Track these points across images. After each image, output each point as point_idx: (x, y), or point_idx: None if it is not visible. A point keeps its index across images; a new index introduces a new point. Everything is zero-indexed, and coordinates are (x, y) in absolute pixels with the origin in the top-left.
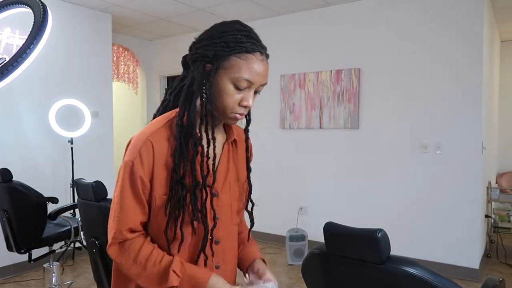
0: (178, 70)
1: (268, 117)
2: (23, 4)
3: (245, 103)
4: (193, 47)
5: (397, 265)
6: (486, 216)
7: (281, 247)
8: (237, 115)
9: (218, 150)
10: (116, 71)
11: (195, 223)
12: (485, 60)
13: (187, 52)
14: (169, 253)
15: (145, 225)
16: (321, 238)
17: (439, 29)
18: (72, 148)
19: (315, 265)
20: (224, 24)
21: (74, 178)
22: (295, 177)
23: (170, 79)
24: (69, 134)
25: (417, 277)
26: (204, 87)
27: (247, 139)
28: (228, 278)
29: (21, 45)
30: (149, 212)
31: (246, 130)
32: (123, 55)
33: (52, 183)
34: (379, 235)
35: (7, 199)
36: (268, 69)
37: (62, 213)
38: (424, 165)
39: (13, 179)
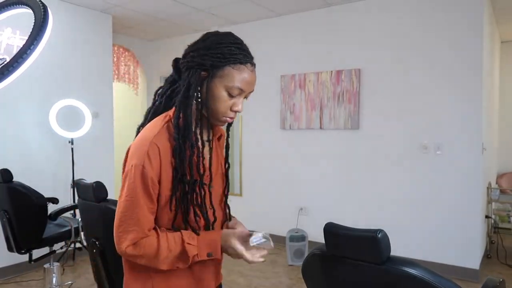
0: None
1: (268, 118)
2: (23, 5)
3: (236, 108)
4: (189, 54)
5: (397, 266)
6: (486, 216)
7: (281, 248)
8: (228, 119)
9: (211, 151)
10: (117, 72)
11: (198, 218)
12: (485, 61)
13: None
14: None
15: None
16: (321, 239)
17: (439, 30)
18: (72, 149)
19: (315, 266)
20: (218, 35)
21: (75, 179)
22: (295, 177)
23: None
24: (70, 135)
25: (417, 278)
26: (199, 93)
27: (227, 137)
28: (219, 261)
29: (21, 46)
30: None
31: (228, 130)
32: (123, 56)
33: (53, 184)
34: (379, 235)
35: (7, 199)
36: (256, 78)
37: (62, 214)
38: (424, 165)
39: (14, 179)
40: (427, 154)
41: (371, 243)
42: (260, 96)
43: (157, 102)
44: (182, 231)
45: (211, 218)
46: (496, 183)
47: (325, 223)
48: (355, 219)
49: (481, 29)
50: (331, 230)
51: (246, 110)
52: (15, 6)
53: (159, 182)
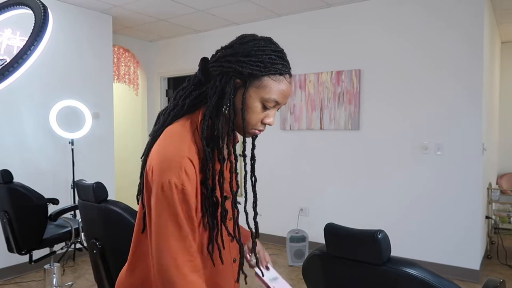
0: (178, 71)
1: None
2: (24, 6)
3: (267, 121)
4: (224, 58)
5: (397, 266)
6: (487, 217)
7: (282, 248)
8: (257, 131)
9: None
10: (117, 72)
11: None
12: (485, 61)
13: (189, 53)
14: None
15: None
16: (321, 239)
17: (440, 31)
18: (72, 149)
19: (315, 266)
20: (259, 39)
21: (75, 179)
22: (296, 178)
23: (171, 80)
24: (70, 135)
25: (417, 278)
26: (232, 102)
27: (253, 148)
28: (235, 247)
29: (22, 47)
30: None
31: (254, 141)
32: (123, 56)
33: (53, 184)
34: (379, 236)
35: (7, 200)
36: (291, 91)
37: (62, 214)
38: (425, 166)
39: (14, 180)
40: (427, 154)
41: (371, 243)
42: None
43: (178, 106)
44: None
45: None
46: (497, 183)
47: (326, 223)
48: (355, 219)
49: (482, 30)
50: (331, 230)
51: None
52: (15, 7)
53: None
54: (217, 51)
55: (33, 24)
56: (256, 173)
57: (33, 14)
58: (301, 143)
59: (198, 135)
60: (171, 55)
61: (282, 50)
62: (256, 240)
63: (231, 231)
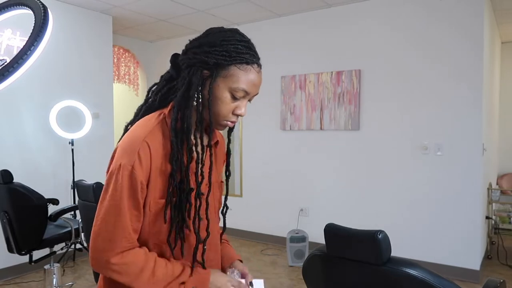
0: None
1: (268, 119)
2: (24, 6)
3: (239, 112)
4: (191, 51)
5: (397, 267)
6: (487, 217)
7: (282, 249)
8: (229, 123)
9: (205, 155)
10: (117, 73)
11: (189, 230)
12: (485, 62)
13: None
14: (171, 257)
15: (138, 234)
16: (322, 240)
17: (440, 31)
18: (72, 150)
19: (316, 267)
20: (223, 31)
21: (75, 180)
22: (296, 178)
23: None
24: (70, 136)
25: (417, 278)
26: (200, 94)
27: (229, 143)
28: (213, 266)
29: (22, 47)
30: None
31: (229, 135)
32: (123, 57)
33: (53, 185)
34: (379, 236)
35: (7, 200)
36: (261, 80)
37: (62, 215)
38: (425, 166)
39: (14, 180)
40: (427, 155)
41: (372, 244)
42: (260, 97)
43: (150, 100)
44: (172, 260)
45: (203, 234)
46: (497, 184)
47: (326, 224)
48: (356, 220)
49: (482, 30)
50: (331, 231)
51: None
52: (15, 7)
53: (147, 187)
54: (186, 45)
55: (33, 25)
56: (256, 173)
57: (33, 15)
58: (301, 143)
59: (166, 126)
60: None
61: (249, 40)
62: (240, 260)
63: (191, 225)
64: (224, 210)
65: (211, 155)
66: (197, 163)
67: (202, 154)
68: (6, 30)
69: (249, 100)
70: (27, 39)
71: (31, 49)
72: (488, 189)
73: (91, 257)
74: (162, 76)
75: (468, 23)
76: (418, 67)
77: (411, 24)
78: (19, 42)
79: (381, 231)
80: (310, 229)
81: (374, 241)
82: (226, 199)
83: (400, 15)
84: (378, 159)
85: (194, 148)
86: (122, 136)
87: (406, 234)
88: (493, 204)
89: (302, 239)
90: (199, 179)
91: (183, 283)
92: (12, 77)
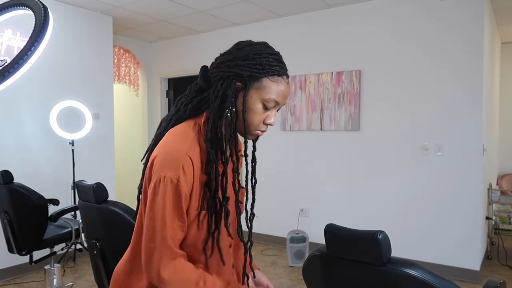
0: (179, 71)
1: None
2: (24, 6)
3: (269, 121)
4: (224, 64)
5: (398, 267)
6: (487, 218)
7: (282, 249)
8: (259, 132)
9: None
10: (117, 73)
11: (231, 238)
12: (485, 62)
13: (189, 54)
14: (206, 266)
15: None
16: (322, 240)
17: (440, 31)
18: (73, 150)
19: (316, 267)
20: (255, 45)
21: (75, 180)
22: (296, 179)
23: (171, 81)
24: (70, 136)
25: (418, 279)
26: (234, 105)
27: (254, 150)
28: (239, 272)
29: (22, 47)
30: None
31: (254, 143)
32: (124, 57)
33: (53, 185)
34: (379, 236)
35: (8, 201)
36: (290, 91)
37: (63, 215)
38: (425, 166)
39: (14, 180)
40: (427, 155)
41: (372, 244)
42: None
43: (180, 112)
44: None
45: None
46: (497, 184)
47: (326, 224)
48: (356, 220)
49: (482, 30)
50: (331, 231)
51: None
52: (16, 7)
53: (190, 198)
54: (216, 59)
55: (33, 25)
56: (256, 174)
57: (33, 15)
58: (302, 143)
59: (202, 136)
60: (172, 56)
61: (278, 53)
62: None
63: (231, 232)
64: (251, 217)
65: (247, 164)
66: (234, 172)
67: (237, 163)
68: (6, 31)
69: (278, 110)
70: (27, 39)
71: (32, 49)
72: (488, 189)
73: (151, 274)
74: (190, 87)
75: (468, 23)
76: (418, 67)
77: (411, 24)
78: (19, 42)
79: (381, 232)
80: (310, 229)
81: (374, 242)
82: (253, 206)
83: (400, 15)
84: (378, 160)
85: (229, 158)
86: (151, 147)
87: (406, 234)
88: (493, 204)
89: (302, 239)
90: (237, 187)
91: None
92: (13, 78)
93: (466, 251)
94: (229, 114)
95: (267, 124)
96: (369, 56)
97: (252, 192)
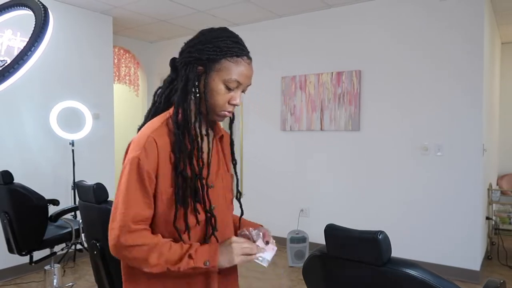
0: None
1: (269, 119)
2: (24, 7)
3: (234, 102)
4: (186, 50)
5: (398, 267)
6: (487, 218)
7: (282, 249)
8: (226, 113)
9: (209, 145)
10: (117, 73)
11: (198, 213)
12: (485, 62)
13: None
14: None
15: (149, 220)
16: (322, 240)
17: (440, 31)
18: (73, 150)
19: (316, 267)
20: (214, 30)
21: (75, 180)
22: (296, 179)
23: None
24: (70, 136)
25: (418, 279)
26: (197, 88)
27: (231, 134)
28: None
29: (22, 48)
30: (155, 206)
31: (231, 127)
32: (124, 57)
33: (53, 185)
34: (380, 237)
35: (8, 201)
36: (253, 72)
37: (63, 215)
38: (425, 167)
39: (14, 181)
40: (427, 155)
41: (372, 244)
42: (260, 98)
43: (157, 103)
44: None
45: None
46: (497, 184)
47: (326, 224)
48: (356, 220)
49: (482, 30)
50: (331, 231)
51: (247, 111)
52: (16, 8)
53: (156, 178)
54: (181, 48)
55: (33, 25)
56: (256, 174)
57: (33, 15)
58: (302, 144)
59: (172, 123)
60: (172, 56)
61: (237, 35)
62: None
63: (201, 210)
64: (238, 196)
65: (209, 142)
66: (197, 151)
67: (202, 142)
68: (6, 31)
69: (243, 91)
70: (27, 40)
71: (32, 50)
72: (488, 189)
73: (110, 244)
74: (164, 80)
75: (468, 23)
76: (418, 67)
77: (411, 24)
78: (19, 43)
79: (381, 232)
80: (310, 229)
81: (374, 242)
82: (237, 185)
83: (400, 16)
84: (378, 160)
85: (195, 138)
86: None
87: (406, 234)
88: (493, 204)
89: (302, 239)
90: (200, 165)
91: (190, 256)
92: (13, 78)
93: (466, 251)
94: (192, 97)
95: (232, 105)
96: (369, 56)
97: (234, 172)
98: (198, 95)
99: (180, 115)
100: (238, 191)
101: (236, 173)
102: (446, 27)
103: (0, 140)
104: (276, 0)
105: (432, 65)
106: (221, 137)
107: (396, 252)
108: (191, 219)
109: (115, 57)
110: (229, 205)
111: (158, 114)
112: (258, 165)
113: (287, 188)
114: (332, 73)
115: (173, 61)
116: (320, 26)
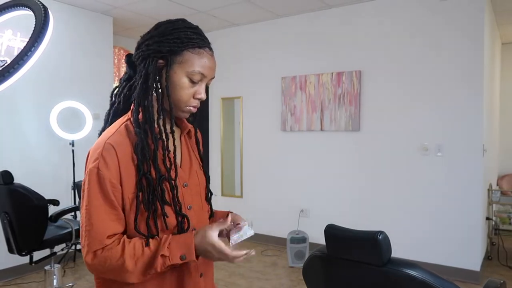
0: None
1: (269, 120)
2: (24, 7)
3: (198, 96)
4: (143, 44)
5: (398, 267)
6: (487, 218)
7: (282, 249)
8: (191, 108)
9: (177, 143)
10: (117, 73)
11: (167, 217)
12: (486, 63)
13: None
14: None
15: (119, 231)
16: (322, 240)
17: (440, 32)
18: (73, 151)
19: (316, 267)
20: (172, 22)
21: (75, 180)
22: (296, 179)
23: None
24: (71, 137)
25: (418, 279)
26: (158, 83)
27: (196, 132)
28: (203, 261)
29: (22, 48)
30: (125, 213)
31: (195, 124)
32: (124, 57)
33: (53, 185)
34: (380, 237)
35: (8, 201)
36: (216, 64)
37: (63, 215)
38: (425, 167)
39: (14, 181)
40: (427, 155)
41: (372, 244)
42: (260, 98)
43: (115, 104)
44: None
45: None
46: (497, 184)
47: (326, 225)
48: (356, 220)
49: (482, 31)
50: (332, 231)
51: (247, 111)
52: (16, 8)
53: (121, 184)
54: (137, 42)
55: (33, 25)
56: (257, 174)
57: (33, 15)
58: (302, 144)
59: (131, 122)
60: None
61: (197, 26)
62: (230, 212)
63: (171, 212)
64: (208, 195)
65: (174, 140)
66: (163, 149)
67: (167, 140)
68: (6, 31)
69: (207, 85)
70: (27, 40)
71: (32, 50)
72: (488, 190)
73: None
74: (120, 79)
75: (468, 24)
76: (418, 68)
77: (411, 25)
78: (19, 43)
79: (381, 232)
80: (310, 230)
81: (375, 242)
82: (207, 185)
83: (400, 16)
84: (379, 160)
85: (159, 136)
86: None
87: (406, 235)
88: (494, 205)
89: (303, 240)
90: (168, 165)
91: (163, 255)
92: (13, 78)
93: (466, 251)
94: (154, 93)
95: (197, 99)
96: (369, 56)
97: (204, 173)
98: (160, 90)
99: (140, 113)
100: (209, 191)
101: (207, 173)
102: (447, 27)
103: (0, 140)
104: (276, 0)
105: (432, 65)
106: (189, 132)
107: (396, 252)
108: (159, 223)
109: (115, 57)
110: (204, 203)
111: (118, 115)
112: (258, 166)
113: (287, 188)
114: (332, 73)
115: (128, 57)
116: (320, 26)
